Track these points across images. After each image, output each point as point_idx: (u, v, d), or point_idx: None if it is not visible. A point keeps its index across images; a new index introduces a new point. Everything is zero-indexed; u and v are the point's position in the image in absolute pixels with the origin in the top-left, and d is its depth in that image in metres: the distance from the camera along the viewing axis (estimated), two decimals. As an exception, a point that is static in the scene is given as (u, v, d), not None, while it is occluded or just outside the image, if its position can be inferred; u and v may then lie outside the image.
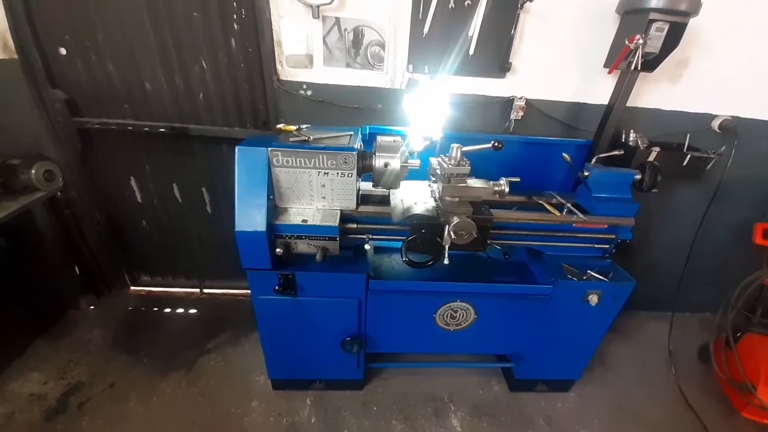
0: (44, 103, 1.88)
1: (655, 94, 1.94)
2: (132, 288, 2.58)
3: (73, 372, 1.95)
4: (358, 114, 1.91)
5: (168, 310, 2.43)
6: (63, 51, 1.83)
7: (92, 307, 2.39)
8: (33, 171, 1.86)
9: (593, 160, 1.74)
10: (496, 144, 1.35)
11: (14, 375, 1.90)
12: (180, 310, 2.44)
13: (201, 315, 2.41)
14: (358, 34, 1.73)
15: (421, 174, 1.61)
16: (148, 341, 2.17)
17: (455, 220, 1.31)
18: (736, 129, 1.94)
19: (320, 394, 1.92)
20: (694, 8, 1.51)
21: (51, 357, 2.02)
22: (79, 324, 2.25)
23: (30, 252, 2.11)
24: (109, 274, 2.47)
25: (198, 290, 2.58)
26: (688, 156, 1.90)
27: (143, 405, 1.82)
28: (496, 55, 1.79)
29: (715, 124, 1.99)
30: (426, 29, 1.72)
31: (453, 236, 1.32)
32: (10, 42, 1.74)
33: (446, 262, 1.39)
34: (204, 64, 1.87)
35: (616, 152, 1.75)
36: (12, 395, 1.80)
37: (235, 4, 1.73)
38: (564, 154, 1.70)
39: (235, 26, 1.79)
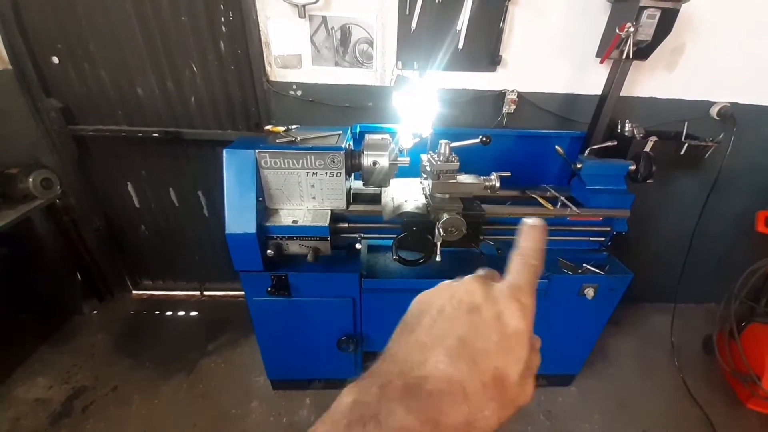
0: (40, 112, 1.90)
1: (650, 82, 1.90)
2: (134, 292, 2.61)
3: (77, 376, 1.98)
4: (349, 112, 1.90)
5: (169, 313, 2.46)
6: (56, 60, 1.85)
7: (95, 312, 2.42)
8: (31, 179, 1.88)
9: (586, 152, 1.72)
10: (484, 139, 1.33)
11: (19, 380, 1.93)
12: (181, 313, 2.46)
13: (201, 317, 2.44)
14: (345, 33, 1.72)
15: (413, 171, 1.60)
16: (150, 344, 2.19)
17: (444, 216, 1.30)
18: (734, 115, 1.90)
19: (319, 393, 1.93)
20: (686, -7, 1.48)
21: (55, 362, 2.05)
22: (83, 329, 2.28)
23: (32, 259, 2.15)
24: (111, 279, 2.50)
25: (198, 293, 2.60)
26: (686, 144, 1.87)
27: (145, 407, 1.84)
28: (485, 49, 1.77)
29: (714, 111, 1.94)
30: (414, 25, 1.70)
31: (442, 233, 1.31)
32: (4, 53, 1.76)
33: (438, 259, 1.39)
34: (194, 68, 1.88)
35: (609, 143, 1.72)
36: (17, 400, 1.84)
37: (222, 6, 1.73)
38: (557, 146, 1.68)
39: (223, 28, 1.79)
